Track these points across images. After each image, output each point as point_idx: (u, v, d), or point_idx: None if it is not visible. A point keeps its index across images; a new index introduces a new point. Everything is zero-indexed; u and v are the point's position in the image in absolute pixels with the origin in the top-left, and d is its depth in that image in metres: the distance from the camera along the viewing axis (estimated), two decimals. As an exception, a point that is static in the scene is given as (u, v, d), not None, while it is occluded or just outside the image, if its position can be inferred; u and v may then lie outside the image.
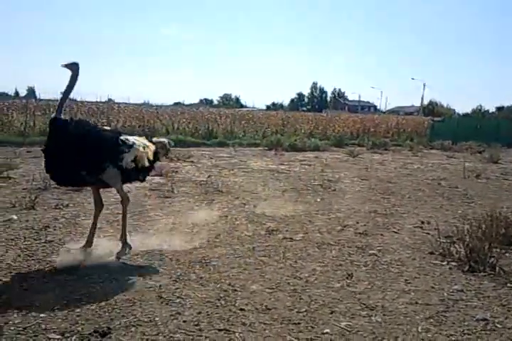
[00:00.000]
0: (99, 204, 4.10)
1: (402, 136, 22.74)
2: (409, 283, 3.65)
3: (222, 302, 3.15)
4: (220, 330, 2.74)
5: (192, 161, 10.82)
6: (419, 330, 2.84)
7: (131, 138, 4.03)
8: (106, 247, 4.11)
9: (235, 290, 3.36)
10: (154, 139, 4.47)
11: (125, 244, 4.04)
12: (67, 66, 3.83)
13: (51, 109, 17.83)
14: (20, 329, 2.66)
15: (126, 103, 23.40)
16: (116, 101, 24.14)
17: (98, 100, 25.27)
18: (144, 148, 4.02)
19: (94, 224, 4.05)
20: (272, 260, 4.05)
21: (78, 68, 3.83)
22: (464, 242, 4.16)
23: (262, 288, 3.43)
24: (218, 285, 3.43)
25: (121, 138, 3.95)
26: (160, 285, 3.37)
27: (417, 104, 57.78)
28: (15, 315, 2.81)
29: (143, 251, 4.12)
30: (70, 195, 6.28)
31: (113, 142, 3.87)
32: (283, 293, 3.34)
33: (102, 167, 3.79)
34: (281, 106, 75.92)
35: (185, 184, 7.66)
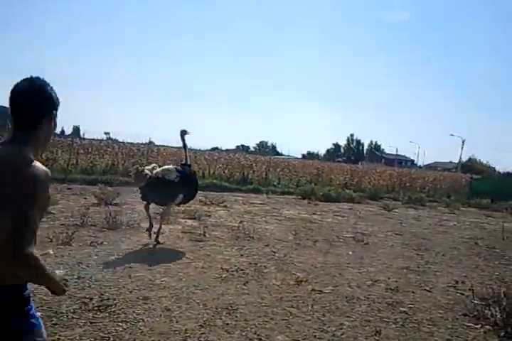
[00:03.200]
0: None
1: (439, 192, 22.31)
2: (440, 344, 3.52)
3: (247, 351, 3.11)
4: (242, 380, 2.71)
5: (225, 206, 10.91)
6: None
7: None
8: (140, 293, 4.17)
9: (260, 339, 3.33)
10: None
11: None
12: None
13: (94, 148, 18.67)
14: (47, 363, 2.70)
15: (165, 146, 23.95)
16: (156, 143, 24.82)
17: (139, 142, 26.01)
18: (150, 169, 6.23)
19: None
20: (299, 311, 3.99)
21: (181, 133, 6.81)
22: (500, 306, 4.01)
23: (288, 339, 3.38)
24: (244, 333, 3.40)
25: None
26: (185, 329, 3.38)
27: (455, 160, 56.99)
28: (43, 349, 2.86)
29: (171, 293, 4.14)
30: (105, 232, 6.43)
31: None
32: (309, 346, 3.27)
33: None
34: (317, 155, 75.98)
35: (217, 228, 7.72)
